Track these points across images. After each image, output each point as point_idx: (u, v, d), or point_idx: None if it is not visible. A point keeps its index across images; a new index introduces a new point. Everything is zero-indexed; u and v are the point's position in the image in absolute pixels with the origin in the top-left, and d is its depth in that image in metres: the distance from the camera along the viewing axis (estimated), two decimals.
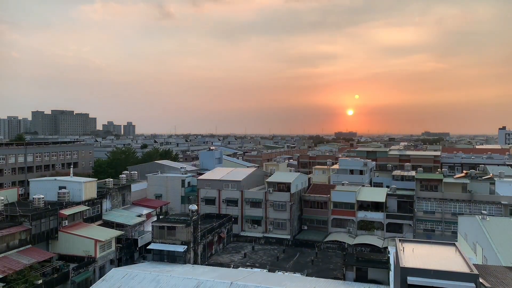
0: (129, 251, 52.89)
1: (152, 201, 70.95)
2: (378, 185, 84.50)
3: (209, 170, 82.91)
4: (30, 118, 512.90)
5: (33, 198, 48.67)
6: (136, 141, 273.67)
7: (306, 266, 50.32)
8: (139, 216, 59.25)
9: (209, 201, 70.41)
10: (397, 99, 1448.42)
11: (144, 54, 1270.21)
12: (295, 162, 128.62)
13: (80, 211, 50.94)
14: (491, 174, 74.67)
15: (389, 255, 40.52)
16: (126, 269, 43.09)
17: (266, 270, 47.16)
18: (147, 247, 50.88)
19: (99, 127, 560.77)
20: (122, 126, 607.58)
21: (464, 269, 23.69)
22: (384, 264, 42.79)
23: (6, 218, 43.79)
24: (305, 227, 69.41)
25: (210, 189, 70.84)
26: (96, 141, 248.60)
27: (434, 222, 65.00)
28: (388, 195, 67.59)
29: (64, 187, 52.73)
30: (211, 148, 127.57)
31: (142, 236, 55.19)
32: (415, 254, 26.64)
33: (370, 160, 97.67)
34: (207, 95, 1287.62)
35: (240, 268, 47.27)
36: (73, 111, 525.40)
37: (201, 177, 74.91)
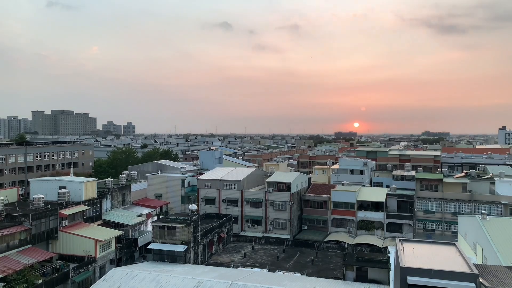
0: (129, 251, 52.88)
1: (152, 201, 70.95)
2: (378, 185, 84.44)
3: (209, 170, 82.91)
4: (30, 118, 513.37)
5: (33, 198, 48.66)
6: (136, 141, 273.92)
7: (306, 266, 50.32)
8: (139, 216, 59.22)
9: (209, 201, 70.40)
10: (397, 99, 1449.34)
11: (145, 53, 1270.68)
12: (295, 162, 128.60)
13: (80, 211, 50.92)
14: (491, 174, 74.70)
15: (389, 255, 40.54)
16: (126, 269, 43.11)
17: (266, 270, 47.16)
18: (147, 247, 50.87)
19: (99, 127, 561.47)
20: (122, 126, 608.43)
21: (464, 269, 23.72)
22: (384, 264, 42.83)
23: (6, 218, 43.76)
24: (305, 227, 69.41)
25: (210, 189, 70.84)
26: (96, 141, 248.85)
27: (434, 222, 65.05)
28: (388, 195, 67.57)
29: (64, 187, 52.71)
30: (211, 148, 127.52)
31: (142, 236, 55.18)
32: (415, 254, 26.66)
33: (370, 160, 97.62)
34: (208, 95, 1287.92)
35: (240, 268, 47.28)
36: (73, 111, 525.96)
37: (201, 177, 74.90)
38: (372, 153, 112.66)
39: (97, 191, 56.46)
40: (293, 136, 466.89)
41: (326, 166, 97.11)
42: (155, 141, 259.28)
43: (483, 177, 73.31)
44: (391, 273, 34.96)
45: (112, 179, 65.08)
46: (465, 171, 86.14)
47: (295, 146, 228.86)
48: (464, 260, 25.39)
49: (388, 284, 38.45)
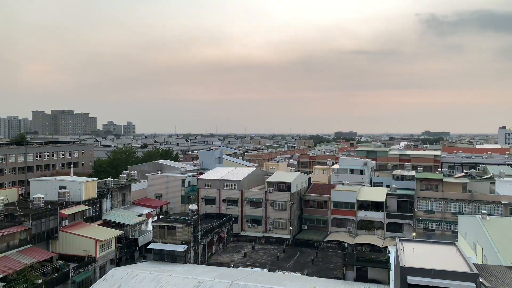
0: (129, 250, 52.89)
1: (152, 200, 70.95)
2: (378, 184, 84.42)
3: (209, 170, 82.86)
4: (30, 118, 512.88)
5: (33, 197, 48.69)
6: (136, 140, 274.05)
7: (306, 266, 50.35)
8: (139, 215, 59.24)
9: (209, 201, 70.37)
10: (397, 99, 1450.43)
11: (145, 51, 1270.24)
12: (295, 162, 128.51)
13: (80, 211, 50.94)
14: (491, 174, 74.68)
15: (389, 254, 40.54)
16: (126, 268, 43.12)
17: (266, 269, 47.19)
18: (147, 247, 50.89)
19: (99, 126, 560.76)
20: (122, 126, 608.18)
21: (464, 268, 23.73)
22: (384, 264, 42.83)
23: (6, 218, 43.78)
24: (305, 227, 69.40)
25: (210, 188, 70.81)
26: (96, 140, 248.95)
27: (434, 221, 65.01)
28: (388, 194, 67.55)
29: (64, 187, 52.72)
30: (211, 147, 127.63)
31: (142, 236, 55.20)
32: (415, 254, 26.68)
33: (370, 159, 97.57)
34: (208, 94, 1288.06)
35: (240, 268, 47.30)
36: (73, 111, 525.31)
37: (201, 176, 74.89)
38: (372, 153, 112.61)
39: (97, 191, 56.47)
40: (293, 136, 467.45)
41: (326, 166, 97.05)
42: (155, 141, 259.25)
43: (483, 177, 73.31)
44: (391, 273, 34.97)
45: (112, 179, 65.13)
46: (465, 171, 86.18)
47: (295, 146, 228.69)
48: (464, 260, 25.41)
49: (388, 284, 38.44)
